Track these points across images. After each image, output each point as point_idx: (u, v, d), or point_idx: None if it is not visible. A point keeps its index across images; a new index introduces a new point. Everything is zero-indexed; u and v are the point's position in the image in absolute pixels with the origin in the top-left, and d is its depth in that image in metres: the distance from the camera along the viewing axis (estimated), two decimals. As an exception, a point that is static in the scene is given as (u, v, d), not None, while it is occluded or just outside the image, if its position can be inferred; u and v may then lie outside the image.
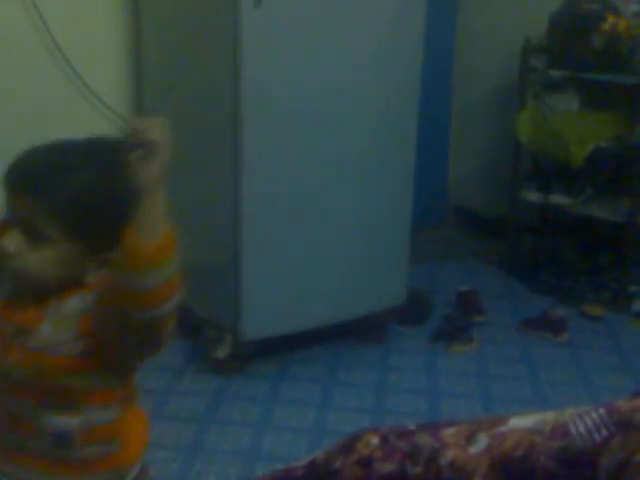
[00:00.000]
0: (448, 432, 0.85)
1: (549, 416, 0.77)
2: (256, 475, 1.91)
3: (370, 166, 2.46)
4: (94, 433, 1.08)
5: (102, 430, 1.08)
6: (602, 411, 0.74)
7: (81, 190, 1.01)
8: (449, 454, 0.83)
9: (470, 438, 0.83)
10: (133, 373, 1.11)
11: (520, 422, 0.80)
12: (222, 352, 2.38)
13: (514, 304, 2.95)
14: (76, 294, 1.04)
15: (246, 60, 2.16)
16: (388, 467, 0.87)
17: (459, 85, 3.53)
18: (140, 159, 0.93)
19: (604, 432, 0.72)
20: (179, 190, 2.54)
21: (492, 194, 3.46)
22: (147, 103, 2.64)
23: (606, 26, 2.83)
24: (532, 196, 3.11)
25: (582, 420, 0.74)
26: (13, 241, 1.02)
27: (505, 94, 3.33)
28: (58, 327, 1.04)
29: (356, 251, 2.50)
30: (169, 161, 0.96)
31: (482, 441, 0.82)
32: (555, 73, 3.00)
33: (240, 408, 2.24)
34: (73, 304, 1.04)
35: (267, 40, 2.19)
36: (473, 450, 0.82)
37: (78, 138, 1.08)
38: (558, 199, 3.04)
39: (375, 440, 0.89)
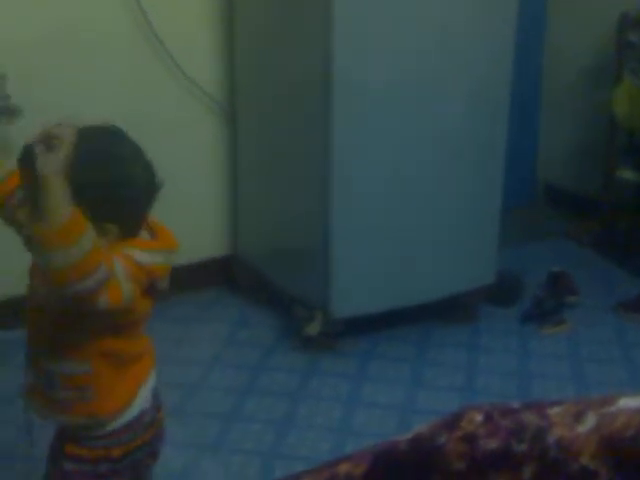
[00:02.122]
0: (554, 411, 0.85)
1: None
2: (348, 450, 1.94)
3: (462, 145, 2.44)
4: (71, 380, 1.25)
5: (77, 379, 1.25)
6: None
7: (77, 164, 1.12)
8: (556, 432, 0.83)
9: (578, 417, 0.83)
10: (105, 337, 1.24)
11: (630, 402, 0.79)
12: (313, 330, 2.41)
13: (608, 286, 2.88)
14: None
15: (338, 41, 2.17)
16: (493, 444, 0.87)
17: (550, 61, 3.45)
18: (41, 151, 1.07)
19: None
20: (271, 169, 2.61)
21: (585, 172, 3.37)
22: (239, 86, 2.68)
23: None
24: (627, 174, 3.02)
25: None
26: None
27: (598, 70, 3.23)
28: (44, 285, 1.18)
29: (446, 230, 2.49)
30: (70, 159, 1.08)
31: (590, 420, 0.81)
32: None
33: (330, 384, 2.27)
34: None
35: (359, 21, 2.20)
36: (581, 429, 0.81)
37: None
38: (655, 178, 2.94)
39: (479, 417, 0.90)
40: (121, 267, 1.16)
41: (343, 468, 0.89)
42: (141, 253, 1.22)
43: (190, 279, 2.80)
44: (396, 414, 2.12)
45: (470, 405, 0.92)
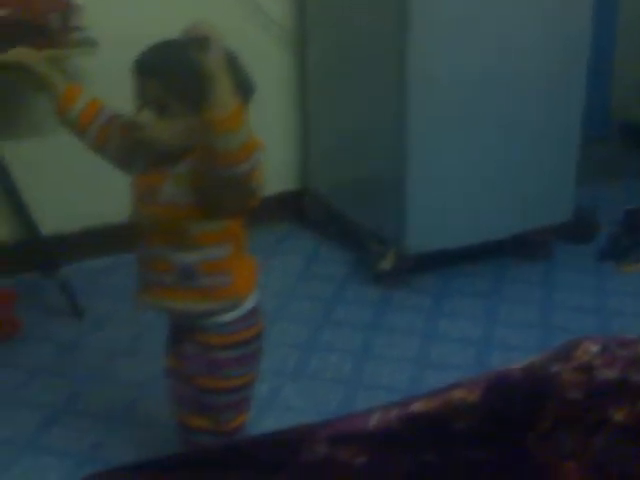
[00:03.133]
0: (673, 343, 0.85)
1: None
2: (428, 382, 1.97)
3: (541, 80, 2.39)
4: (211, 267, 1.34)
5: (217, 264, 1.34)
6: None
7: (192, 74, 1.22)
8: (676, 364, 0.83)
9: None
10: (237, 220, 1.36)
11: None
12: (387, 264, 2.42)
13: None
14: (187, 158, 1.30)
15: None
16: (609, 374, 0.88)
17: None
18: (202, 51, 1.16)
19: None
20: (344, 101, 2.59)
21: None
22: (309, 13, 2.65)
23: None
24: None
25: None
26: (145, 116, 1.29)
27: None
28: (178, 184, 1.30)
29: (523, 166, 2.45)
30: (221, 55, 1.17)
31: None
32: None
33: (405, 318, 2.29)
34: (185, 165, 1.30)
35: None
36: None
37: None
38: None
39: (595, 348, 0.90)
40: None
41: (456, 394, 0.91)
42: None
43: (262, 213, 2.81)
44: (472, 348, 2.14)
45: (585, 336, 0.92)
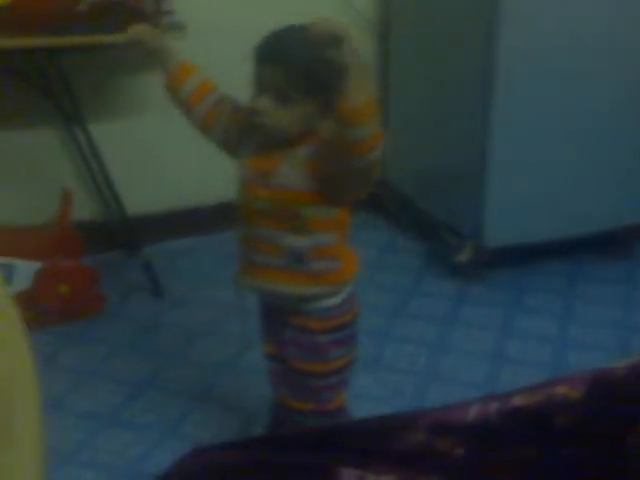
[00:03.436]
0: None
1: None
2: (505, 377, 1.95)
3: (626, 78, 2.33)
4: (321, 251, 1.36)
5: (327, 249, 1.37)
6: None
7: (316, 60, 1.24)
8: None
9: None
10: (349, 208, 1.38)
11: None
12: (464, 257, 2.40)
13: None
14: (306, 143, 1.32)
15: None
16: None
17: None
18: (336, 45, 1.17)
19: None
20: (425, 91, 2.58)
21: None
22: (394, 10, 2.64)
23: None
24: None
25: None
26: (264, 102, 1.30)
27: None
28: (293, 168, 1.32)
29: (607, 163, 2.40)
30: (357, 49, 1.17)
31: None
32: None
33: (481, 313, 2.27)
34: (304, 150, 1.32)
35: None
36: None
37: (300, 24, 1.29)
38: None
39: None
40: None
41: (560, 390, 0.90)
42: None
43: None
44: (550, 346, 2.11)
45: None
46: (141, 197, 2.50)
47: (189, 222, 2.61)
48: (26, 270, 2.12)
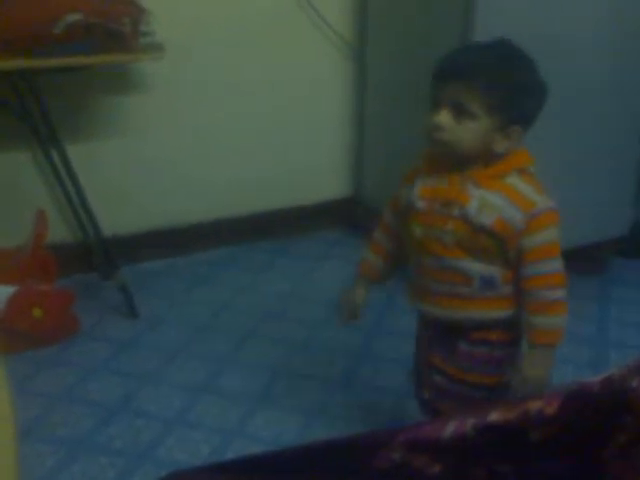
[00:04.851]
0: None
1: None
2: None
3: (598, 92, 2.36)
4: (509, 275, 1.41)
5: (510, 274, 1.41)
6: None
7: (497, 73, 1.34)
8: None
9: None
10: None
11: None
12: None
13: None
14: (497, 192, 1.36)
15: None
16: (691, 390, 0.87)
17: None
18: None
19: None
20: (399, 109, 2.57)
21: None
22: (369, 24, 2.65)
23: None
24: None
25: None
26: (444, 117, 1.34)
27: None
28: (481, 211, 1.36)
29: (580, 180, 2.43)
30: None
31: None
32: None
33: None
34: (496, 200, 1.36)
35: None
36: None
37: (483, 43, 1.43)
38: None
39: (676, 362, 0.89)
40: None
41: (535, 405, 0.90)
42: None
43: (312, 220, 2.84)
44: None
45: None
46: (117, 218, 2.49)
47: (165, 243, 2.60)
48: (-1, 294, 2.10)
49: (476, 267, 1.39)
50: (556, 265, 1.43)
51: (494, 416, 0.90)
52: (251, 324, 2.29)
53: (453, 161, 1.39)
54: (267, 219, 2.77)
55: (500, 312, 1.43)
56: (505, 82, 1.33)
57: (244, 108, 2.62)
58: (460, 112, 1.33)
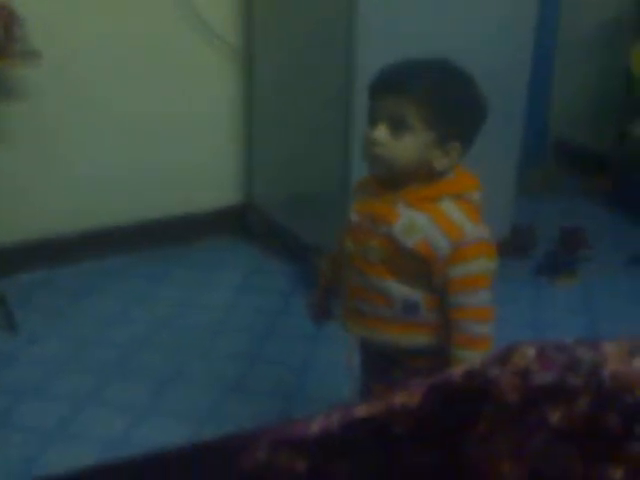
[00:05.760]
0: (608, 347, 0.87)
1: None
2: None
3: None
4: (435, 301, 1.36)
5: (435, 301, 1.36)
6: None
7: (434, 86, 1.31)
8: (610, 366, 0.85)
9: (633, 352, 0.84)
10: None
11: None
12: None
13: (620, 241, 2.90)
14: (426, 214, 1.33)
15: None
16: (546, 378, 0.89)
17: (566, 16, 3.41)
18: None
19: None
20: (288, 116, 2.60)
21: (598, 129, 3.37)
22: (256, 31, 2.65)
23: None
24: (641, 131, 3.01)
25: None
26: (381, 132, 1.30)
27: (615, 26, 3.21)
28: (407, 231, 1.33)
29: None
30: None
31: (646, 354, 0.82)
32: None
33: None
34: (423, 222, 1.32)
35: None
36: (636, 363, 0.83)
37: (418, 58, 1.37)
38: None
39: (532, 352, 0.91)
40: None
41: (398, 399, 0.91)
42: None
43: (205, 227, 2.81)
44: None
45: (522, 341, 0.94)
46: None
47: (45, 253, 2.50)
48: None
49: (399, 289, 1.35)
50: (483, 298, 1.37)
51: (359, 411, 0.91)
52: (141, 334, 2.23)
53: (390, 179, 1.36)
54: (156, 227, 2.72)
55: (423, 338, 1.38)
56: (441, 95, 1.31)
57: (125, 119, 2.56)
58: (397, 126, 1.30)
